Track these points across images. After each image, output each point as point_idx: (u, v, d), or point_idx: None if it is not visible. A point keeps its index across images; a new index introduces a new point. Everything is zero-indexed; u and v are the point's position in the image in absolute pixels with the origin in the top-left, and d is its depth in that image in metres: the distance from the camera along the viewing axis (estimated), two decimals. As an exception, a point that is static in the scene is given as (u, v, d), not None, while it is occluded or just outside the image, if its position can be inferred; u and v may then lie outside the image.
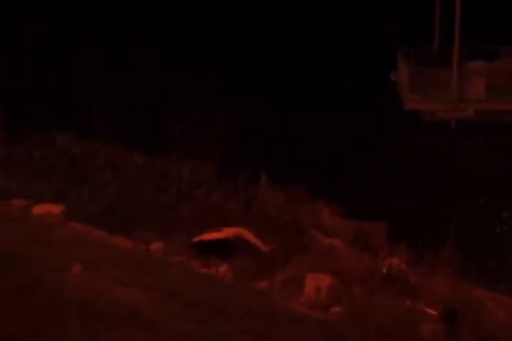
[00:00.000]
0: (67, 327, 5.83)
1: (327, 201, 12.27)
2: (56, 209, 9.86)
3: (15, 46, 22.61)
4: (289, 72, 23.98)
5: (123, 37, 25.76)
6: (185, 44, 25.79)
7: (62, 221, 9.45)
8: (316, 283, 8.15)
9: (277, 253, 9.25)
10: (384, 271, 8.70)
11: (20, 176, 11.53)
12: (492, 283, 11.11)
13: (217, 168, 12.11)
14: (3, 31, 22.17)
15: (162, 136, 12.82)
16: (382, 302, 7.97)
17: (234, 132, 12.99)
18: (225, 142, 12.40)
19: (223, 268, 8.44)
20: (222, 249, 9.04)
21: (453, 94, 22.23)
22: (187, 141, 12.45)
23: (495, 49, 22.99)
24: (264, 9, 29.57)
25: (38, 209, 9.81)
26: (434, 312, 7.83)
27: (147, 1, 29.45)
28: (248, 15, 28.89)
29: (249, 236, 9.38)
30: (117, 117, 12.77)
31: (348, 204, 12.24)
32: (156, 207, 10.60)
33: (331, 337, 6.57)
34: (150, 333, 6.07)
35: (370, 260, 9.12)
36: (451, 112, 22.33)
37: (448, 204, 15.93)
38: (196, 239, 9.14)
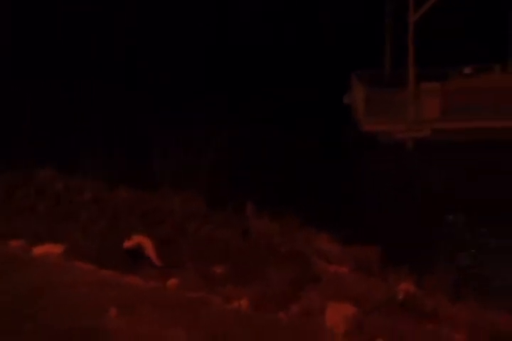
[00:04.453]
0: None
1: (317, 228, 12.24)
2: (56, 248, 9.65)
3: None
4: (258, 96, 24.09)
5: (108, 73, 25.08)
6: (169, 77, 25.48)
7: (66, 261, 9.25)
8: (340, 312, 8.09)
9: (288, 283, 9.17)
10: (400, 296, 8.69)
11: (4, 215, 11.25)
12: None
13: (207, 200, 11.99)
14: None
15: (148, 170, 12.67)
16: (407, 328, 7.97)
17: (222, 162, 12.94)
18: (212, 173, 12.33)
19: (244, 302, 8.35)
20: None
21: (409, 114, 22.55)
22: (173, 173, 12.33)
23: (444, 70, 23.46)
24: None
25: (39, 249, 9.58)
26: (461, 336, 7.85)
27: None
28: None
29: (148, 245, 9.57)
30: (101, 151, 12.59)
31: (335, 230, 12.23)
32: (155, 241, 10.41)
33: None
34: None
35: (382, 286, 9.10)
36: (408, 133, 22.63)
37: (422, 224, 16.10)
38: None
